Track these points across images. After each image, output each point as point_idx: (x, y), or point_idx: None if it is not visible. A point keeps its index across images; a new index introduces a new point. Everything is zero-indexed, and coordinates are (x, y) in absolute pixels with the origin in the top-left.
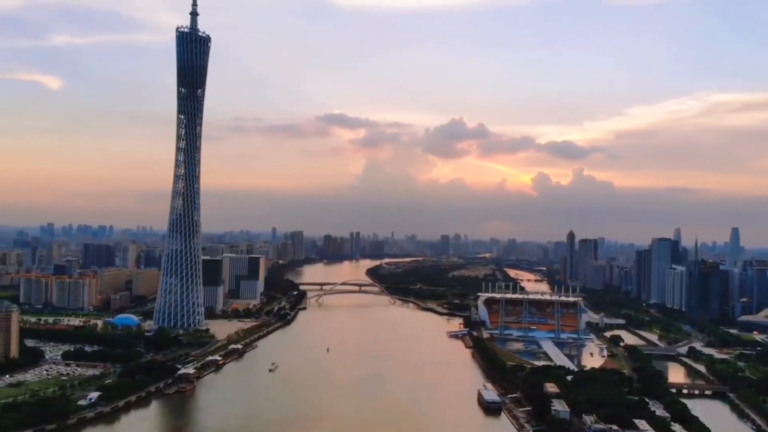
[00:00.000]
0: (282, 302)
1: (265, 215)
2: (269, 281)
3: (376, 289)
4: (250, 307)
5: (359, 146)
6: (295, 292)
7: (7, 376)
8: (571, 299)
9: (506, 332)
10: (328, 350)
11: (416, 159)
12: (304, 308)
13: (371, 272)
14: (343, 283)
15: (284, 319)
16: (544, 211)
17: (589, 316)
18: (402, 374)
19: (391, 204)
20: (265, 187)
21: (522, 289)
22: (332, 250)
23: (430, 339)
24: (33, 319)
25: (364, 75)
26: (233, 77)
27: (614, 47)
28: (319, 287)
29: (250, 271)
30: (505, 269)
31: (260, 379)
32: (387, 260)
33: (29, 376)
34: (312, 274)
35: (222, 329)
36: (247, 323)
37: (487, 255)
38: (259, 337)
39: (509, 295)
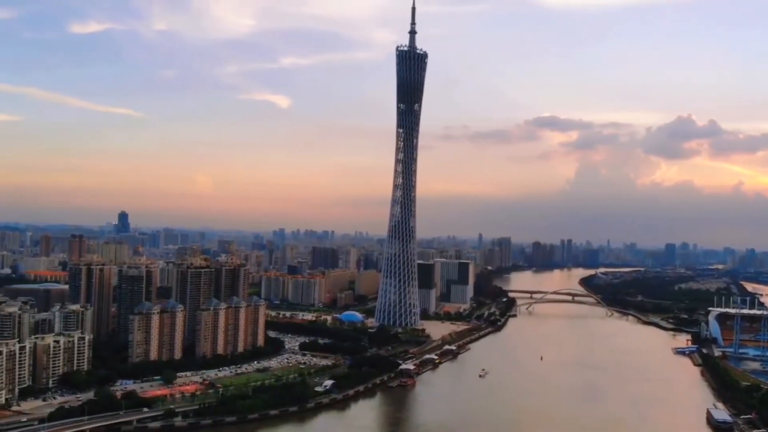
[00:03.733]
0: (491, 308)
1: (471, 221)
2: (478, 287)
3: (590, 299)
4: (461, 310)
5: (571, 149)
6: (505, 299)
7: (256, 362)
8: None
9: (741, 351)
10: (541, 359)
11: (636, 161)
12: (515, 315)
13: (585, 282)
14: (555, 292)
15: (495, 325)
16: None
17: None
18: (622, 388)
19: (607, 209)
20: (472, 193)
21: (761, 304)
22: (541, 258)
23: (652, 354)
24: (273, 313)
25: (577, 75)
26: (441, 86)
27: None
28: (528, 295)
29: (459, 275)
30: (742, 282)
31: (473, 381)
32: (602, 270)
33: (273, 363)
34: (520, 281)
35: (436, 330)
36: (459, 326)
37: (720, 266)
38: (471, 341)
39: (746, 311)
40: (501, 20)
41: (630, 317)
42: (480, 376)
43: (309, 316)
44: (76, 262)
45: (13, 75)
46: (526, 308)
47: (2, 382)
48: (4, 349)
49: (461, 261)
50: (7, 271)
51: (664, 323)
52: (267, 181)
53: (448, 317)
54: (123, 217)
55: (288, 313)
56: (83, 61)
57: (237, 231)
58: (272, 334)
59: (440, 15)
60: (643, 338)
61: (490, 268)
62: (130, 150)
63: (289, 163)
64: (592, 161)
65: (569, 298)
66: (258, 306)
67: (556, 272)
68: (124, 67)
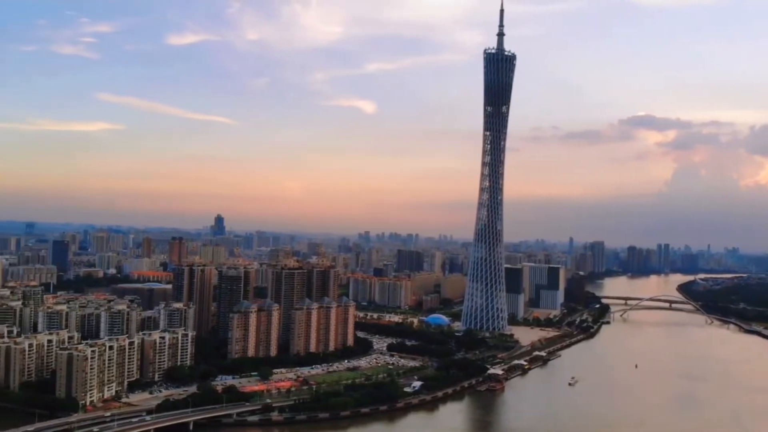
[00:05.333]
0: (583, 314)
1: (561, 224)
2: (568, 292)
3: (689, 307)
4: (551, 316)
5: (668, 149)
6: (597, 305)
7: (346, 361)
8: None
9: None
10: (636, 367)
11: (739, 161)
12: (608, 322)
13: (683, 288)
14: (651, 299)
15: (587, 332)
16: None
17: None
18: (722, 398)
19: (707, 212)
20: (561, 195)
21: None
22: (636, 263)
23: (755, 364)
24: (360, 314)
25: (673, 73)
26: (529, 86)
27: None
28: (623, 302)
29: (549, 280)
30: None
31: (562, 388)
32: (702, 276)
33: (362, 362)
34: (614, 287)
35: (524, 335)
36: (549, 332)
37: None
38: (562, 347)
39: None
40: (592, 18)
41: (731, 325)
42: (570, 383)
43: (395, 318)
44: (179, 263)
45: (115, 85)
46: (621, 315)
47: (113, 375)
48: (115, 344)
49: (551, 265)
50: (113, 271)
51: (767, 332)
52: (353, 185)
53: (538, 323)
54: (219, 220)
55: (375, 315)
56: (180, 71)
57: (325, 234)
58: (360, 334)
59: (528, 15)
60: (744, 347)
61: (581, 273)
62: (223, 156)
63: (374, 167)
64: (691, 162)
65: (666, 305)
66: (348, 306)
67: (653, 278)
68: (217, 76)
